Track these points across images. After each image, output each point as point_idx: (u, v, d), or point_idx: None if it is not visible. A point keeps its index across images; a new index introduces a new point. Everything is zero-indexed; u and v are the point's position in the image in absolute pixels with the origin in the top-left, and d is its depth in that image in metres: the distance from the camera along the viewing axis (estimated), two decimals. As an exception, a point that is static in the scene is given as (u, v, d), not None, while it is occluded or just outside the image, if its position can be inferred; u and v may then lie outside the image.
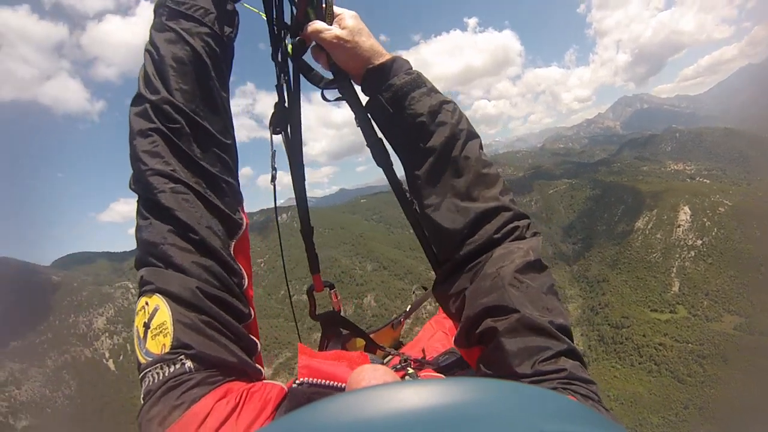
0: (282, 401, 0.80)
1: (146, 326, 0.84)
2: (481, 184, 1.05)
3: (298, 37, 1.17)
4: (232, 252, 0.99)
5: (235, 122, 1.16)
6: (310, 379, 0.80)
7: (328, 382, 0.81)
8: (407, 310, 1.93)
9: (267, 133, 1.29)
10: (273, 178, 1.26)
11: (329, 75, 1.21)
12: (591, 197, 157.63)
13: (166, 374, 0.78)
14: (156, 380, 0.78)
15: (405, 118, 1.09)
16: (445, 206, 1.06)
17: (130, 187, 0.99)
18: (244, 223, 1.05)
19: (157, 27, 1.05)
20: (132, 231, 0.97)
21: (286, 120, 1.22)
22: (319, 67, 1.24)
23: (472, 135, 1.10)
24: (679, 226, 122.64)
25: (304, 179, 1.23)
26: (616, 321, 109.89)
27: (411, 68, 1.14)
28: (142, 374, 0.81)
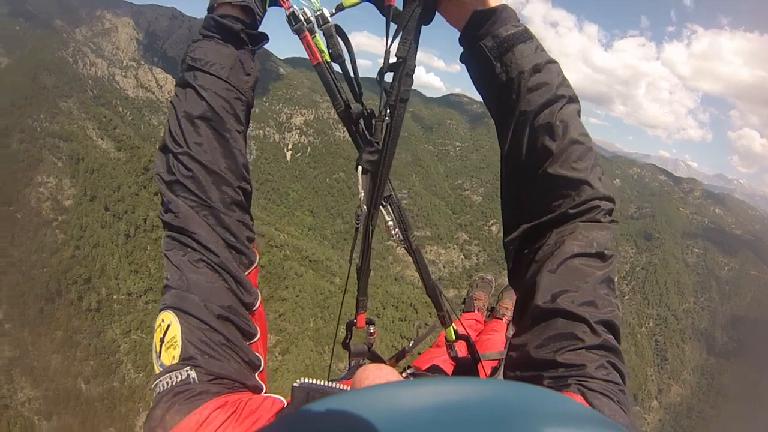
0: (281, 412, 0.84)
1: (162, 341, 0.91)
2: (571, 152, 0.99)
3: None
4: (246, 276, 1.05)
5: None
6: (308, 380, 0.83)
7: (326, 383, 0.84)
8: (410, 344, 1.97)
9: None
10: (365, 240, 1.23)
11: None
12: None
13: (174, 383, 0.84)
14: (165, 388, 0.84)
15: (507, 72, 1.02)
16: (529, 168, 1.03)
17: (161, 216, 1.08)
18: (257, 258, 1.11)
19: (178, 82, 1.14)
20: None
21: (377, 162, 1.14)
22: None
23: (572, 100, 1.04)
24: None
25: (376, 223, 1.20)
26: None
27: (519, 20, 1.06)
28: (155, 383, 0.87)
